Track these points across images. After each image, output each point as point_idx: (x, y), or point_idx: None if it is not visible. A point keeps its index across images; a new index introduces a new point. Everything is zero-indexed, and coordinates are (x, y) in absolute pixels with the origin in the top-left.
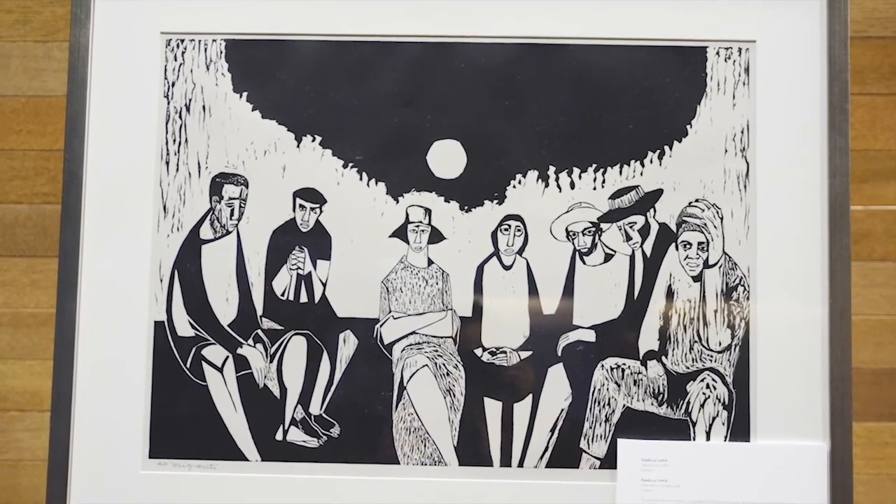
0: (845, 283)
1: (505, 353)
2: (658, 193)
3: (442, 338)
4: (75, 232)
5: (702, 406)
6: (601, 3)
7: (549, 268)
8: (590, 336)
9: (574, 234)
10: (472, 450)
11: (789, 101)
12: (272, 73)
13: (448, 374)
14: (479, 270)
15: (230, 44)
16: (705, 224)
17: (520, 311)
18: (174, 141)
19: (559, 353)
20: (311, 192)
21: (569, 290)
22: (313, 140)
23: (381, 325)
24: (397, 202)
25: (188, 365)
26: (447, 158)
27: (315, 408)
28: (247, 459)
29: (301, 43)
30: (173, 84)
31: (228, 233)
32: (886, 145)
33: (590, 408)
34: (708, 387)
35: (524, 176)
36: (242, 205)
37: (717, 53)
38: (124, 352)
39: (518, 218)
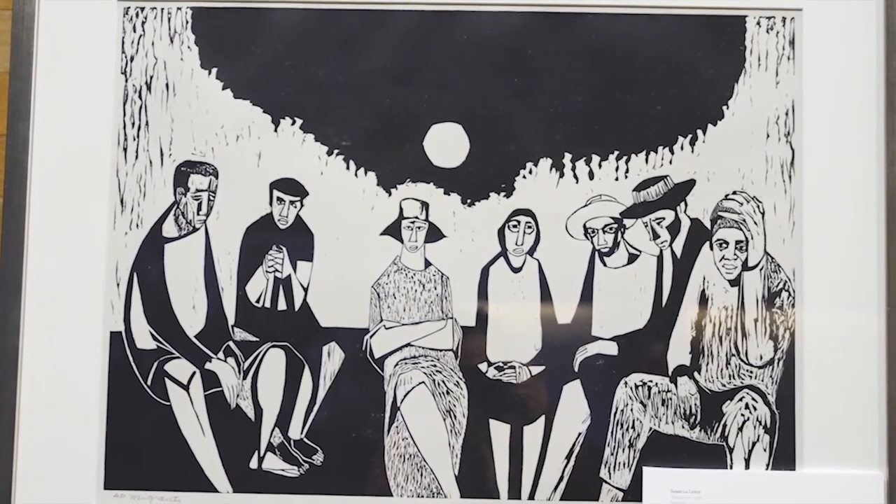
0: None
1: (513, 368)
2: (690, 185)
3: (441, 350)
4: (19, 228)
5: (740, 429)
6: None
7: (564, 270)
8: (611, 349)
9: (593, 232)
10: (475, 480)
11: (840, 79)
12: (245, 47)
13: (448, 393)
14: (484, 273)
15: (197, 13)
16: (744, 220)
17: (530, 320)
18: (133, 124)
19: (576, 369)
20: (291, 184)
21: (587, 295)
22: (293, 123)
23: (370, 336)
24: (390, 195)
25: (149, 382)
26: (447, 144)
27: (295, 431)
28: (216, 490)
29: (278, 11)
30: (132, 59)
31: (195, 230)
32: None
33: (611, 431)
34: (747, 407)
35: (535, 165)
36: (211, 198)
37: (758, 24)
38: (76, 366)
39: (528, 213)
